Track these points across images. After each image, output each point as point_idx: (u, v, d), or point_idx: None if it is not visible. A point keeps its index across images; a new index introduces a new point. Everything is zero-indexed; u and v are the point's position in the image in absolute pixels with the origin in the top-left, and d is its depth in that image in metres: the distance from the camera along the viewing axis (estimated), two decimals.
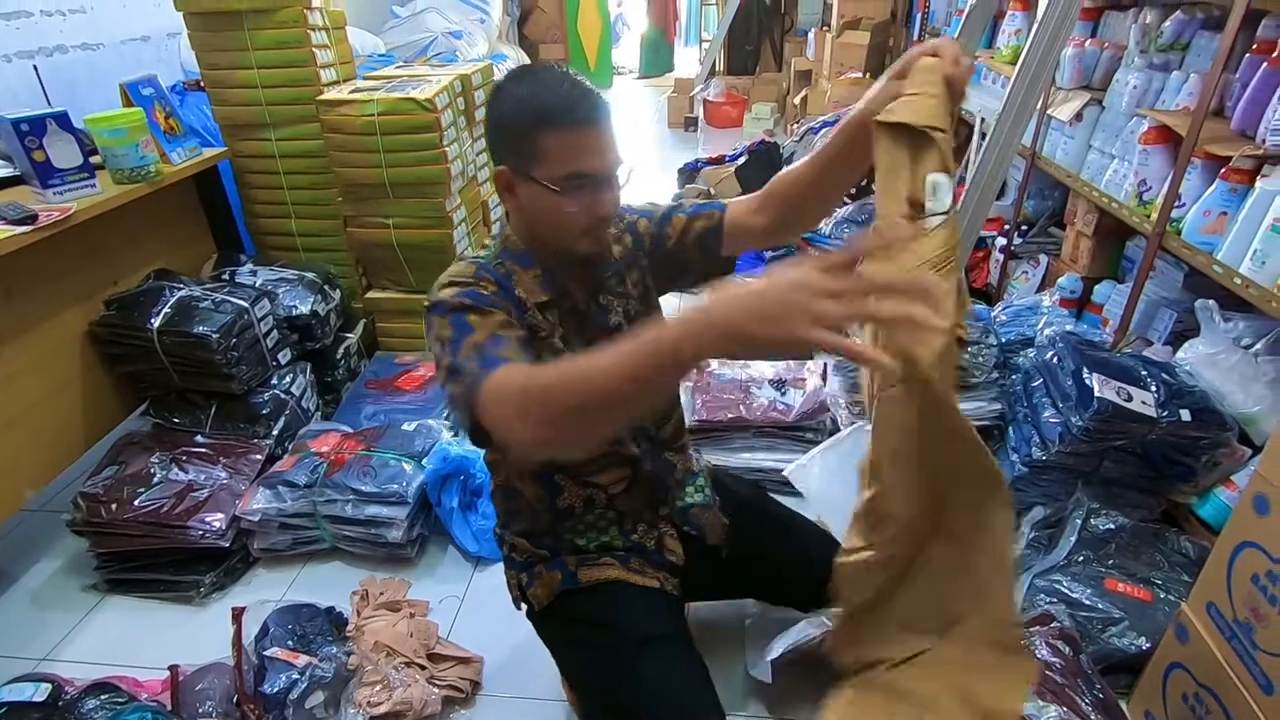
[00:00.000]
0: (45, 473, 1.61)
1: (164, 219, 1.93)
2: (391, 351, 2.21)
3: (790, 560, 1.18)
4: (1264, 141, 1.41)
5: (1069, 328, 1.86)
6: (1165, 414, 1.44)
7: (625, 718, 0.99)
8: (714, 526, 1.15)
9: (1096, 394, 1.45)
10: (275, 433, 1.76)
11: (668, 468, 1.13)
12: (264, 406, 1.77)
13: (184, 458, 1.65)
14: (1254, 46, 1.56)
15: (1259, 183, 1.37)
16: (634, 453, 1.05)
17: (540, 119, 0.84)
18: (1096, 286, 2.09)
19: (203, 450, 1.68)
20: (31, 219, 1.42)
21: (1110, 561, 1.39)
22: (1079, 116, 2.03)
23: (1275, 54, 1.45)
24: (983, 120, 1.79)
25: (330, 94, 1.94)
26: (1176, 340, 1.72)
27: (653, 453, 1.10)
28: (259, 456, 1.69)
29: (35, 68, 2.11)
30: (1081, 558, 1.41)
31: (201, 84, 2.26)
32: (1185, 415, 1.45)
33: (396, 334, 2.23)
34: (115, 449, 1.68)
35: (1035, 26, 1.65)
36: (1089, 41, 2.11)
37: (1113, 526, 1.44)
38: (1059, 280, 2.16)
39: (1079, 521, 1.46)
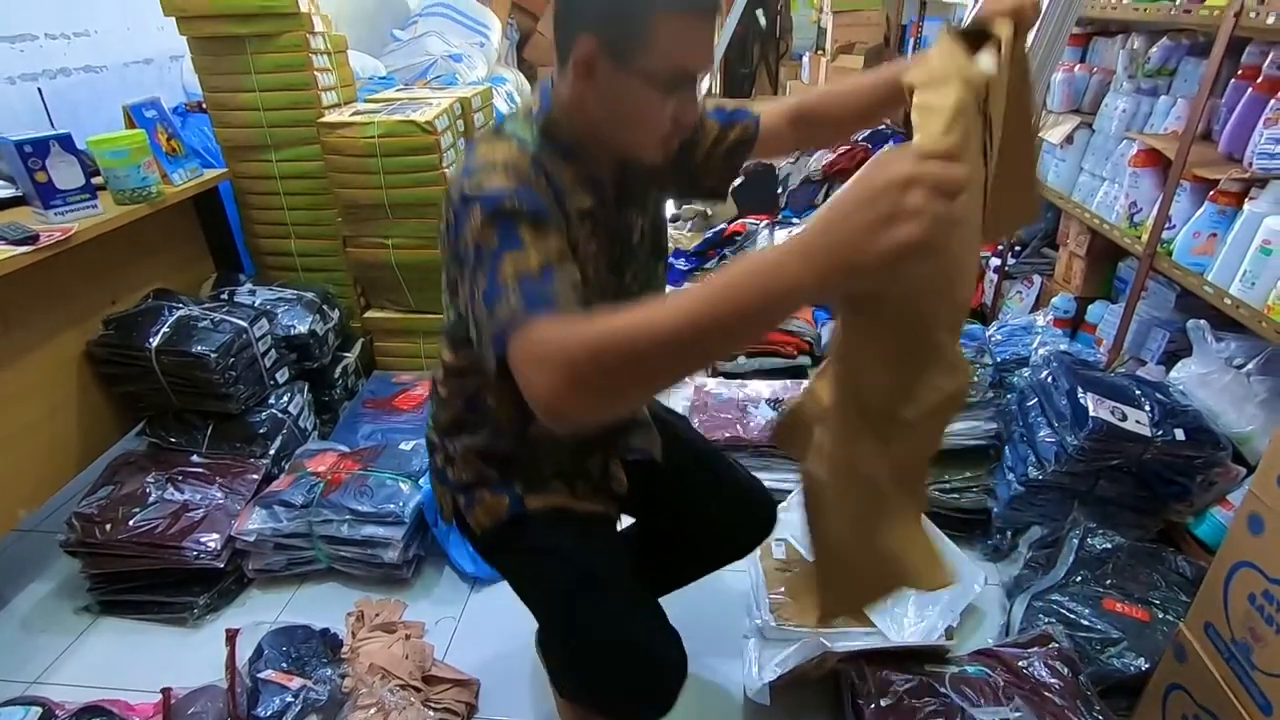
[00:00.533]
0: (41, 493, 1.60)
1: (164, 239, 1.94)
2: (389, 371, 2.21)
3: (719, 475, 1.18)
4: (1250, 164, 1.43)
5: (1063, 347, 1.88)
6: (1160, 433, 1.45)
7: (583, 647, 0.95)
8: (654, 442, 1.09)
9: (1091, 413, 1.46)
10: (272, 452, 1.76)
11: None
12: (261, 426, 1.77)
13: (180, 478, 1.65)
14: (1239, 72, 1.60)
15: (1246, 205, 1.39)
16: None
17: None
18: (1090, 306, 2.11)
19: (199, 470, 1.67)
20: (33, 239, 1.42)
21: (1108, 581, 1.39)
22: (1070, 139, 2.06)
23: (1260, 79, 1.48)
24: None
25: (331, 116, 1.96)
26: (1170, 360, 1.74)
27: None
28: (255, 476, 1.69)
29: (40, 90, 2.13)
30: (1079, 578, 1.41)
31: (203, 106, 2.29)
32: (1179, 434, 1.46)
33: (394, 353, 2.24)
34: (111, 469, 1.67)
35: (1028, 48, 1.68)
36: (1078, 67, 2.15)
37: (1110, 546, 1.44)
38: (1053, 300, 2.17)
39: (1076, 541, 1.46)
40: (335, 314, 2.08)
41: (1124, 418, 1.47)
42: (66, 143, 1.54)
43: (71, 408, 1.66)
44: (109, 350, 1.67)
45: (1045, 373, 1.63)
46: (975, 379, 1.69)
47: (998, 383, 1.80)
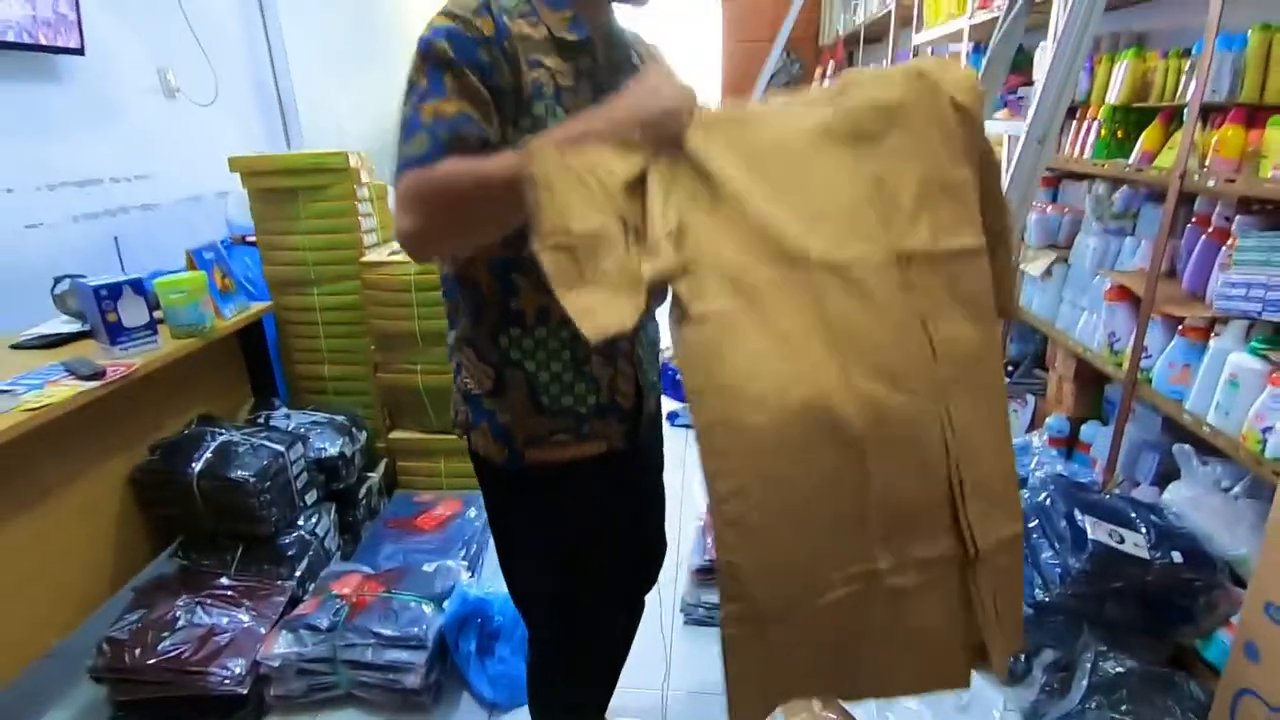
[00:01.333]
0: (74, 619, 1.64)
1: (209, 367, 2.07)
2: (411, 490, 2.28)
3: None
4: (1212, 304, 1.57)
5: (1060, 469, 1.96)
6: (1158, 555, 1.51)
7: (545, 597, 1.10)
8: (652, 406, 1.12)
9: (1090, 536, 1.52)
10: (298, 574, 1.81)
11: None
12: (290, 548, 1.83)
13: (209, 600, 1.69)
14: (1193, 219, 1.77)
15: (1212, 341, 1.52)
16: None
17: None
18: (1083, 426, 2.21)
19: (227, 592, 1.72)
20: (100, 374, 1.55)
21: (1123, 708, 1.41)
22: (1049, 272, 2.24)
23: (1211, 229, 1.65)
24: None
25: (371, 256, 2.15)
26: (1163, 481, 1.81)
27: None
28: (282, 599, 1.73)
29: (116, 240, 2.33)
30: (1095, 704, 1.42)
31: (247, 239, 2.50)
32: (1177, 557, 1.51)
33: (416, 473, 2.32)
34: (143, 591, 1.72)
35: (1005, 189, 1.88)
36: (1049, 207, 2.36)
37: (1123, 671, 1.46)
38: (1047, 420, 2.28)
39: (1089, 665, 1.48)
40: (363, 436, 2.18)
41: (1121, 540, 1.53)
42: (137, 285, 1.70)
43: (111, 532, 1.73)
44: (153, 475, 1.76)
45: (1044, 495, 1.71)
46: None
47: None
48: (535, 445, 1.01)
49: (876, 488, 0.77)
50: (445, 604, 1.68)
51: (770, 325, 0.74)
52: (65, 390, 1.47)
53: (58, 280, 1.95)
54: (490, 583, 1.73)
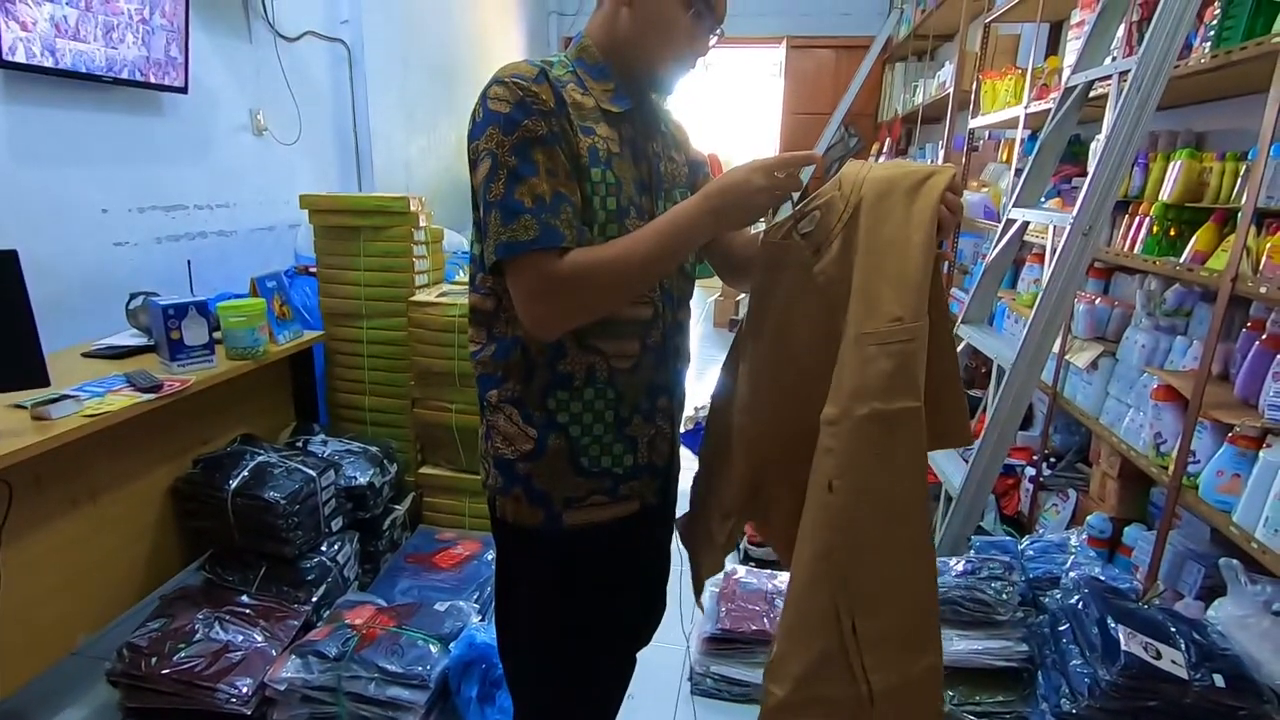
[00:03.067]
0: (102, 618, 1.70)
1: (256, 388, 2.17)
2: (434, 526, 2.31)
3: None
4: (1264, 413, 1.51)
5: (1097, 572, 1.87)
6: (1197, 676, 1.42)
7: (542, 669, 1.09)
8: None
9: (1123, 647, 1.44)
10: (315, 599, 1.84)
11: (677, 344, 1.08)
12: (310, 573, 1.87)
13: (227, 616, 1.73)
14: (1249, 323, 1.72)
15: (1263, 453, 1.46)
16: (645, 317, 1.01)
17: None
18: (1126, 529, 2.11)
19: (246, 610, 1.76)
20: (157, 388, 1.65)
21: None
22: (1094, 365, 2.18)
23: (1265, 335, 1.60)
24: (999, 368, 1.97)
25: (420, 295, 2.25)
26: (1208, 595, 1.71)
27: (668, 314, 1.05)
28: (296, 622, 1.76)
29: (189, 263, 2.48)
30: None
31: (310, 270, 2.63)
32: (1219, 680, 1.41)
33: (441, 509, 2.36)
34: (167, 601, 1.77)
35: (1047, 278, 1.86)
36: (1099, 299, 2.32)
37: None
38: (1088, 518, 2.18)
39: None
40: (393, 468, 2.23)
41: (1158, 655, 1.44)
42: (201, 307, 1.81)
43: (147, 538, 1.80)
44: (193, 487, 1.84)
45: (1075, 598, 1.63)
46: (1002, 595, 1.69)
47: (1031, 601, 1.79)
48: (573, 507, 1.01)
49: None
50: (452, 645, 1.68)
51: None
52: (123, 400, 1.57)
53: (132, 296, 2.09)
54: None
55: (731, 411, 1.06)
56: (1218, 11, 1.68)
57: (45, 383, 1.39)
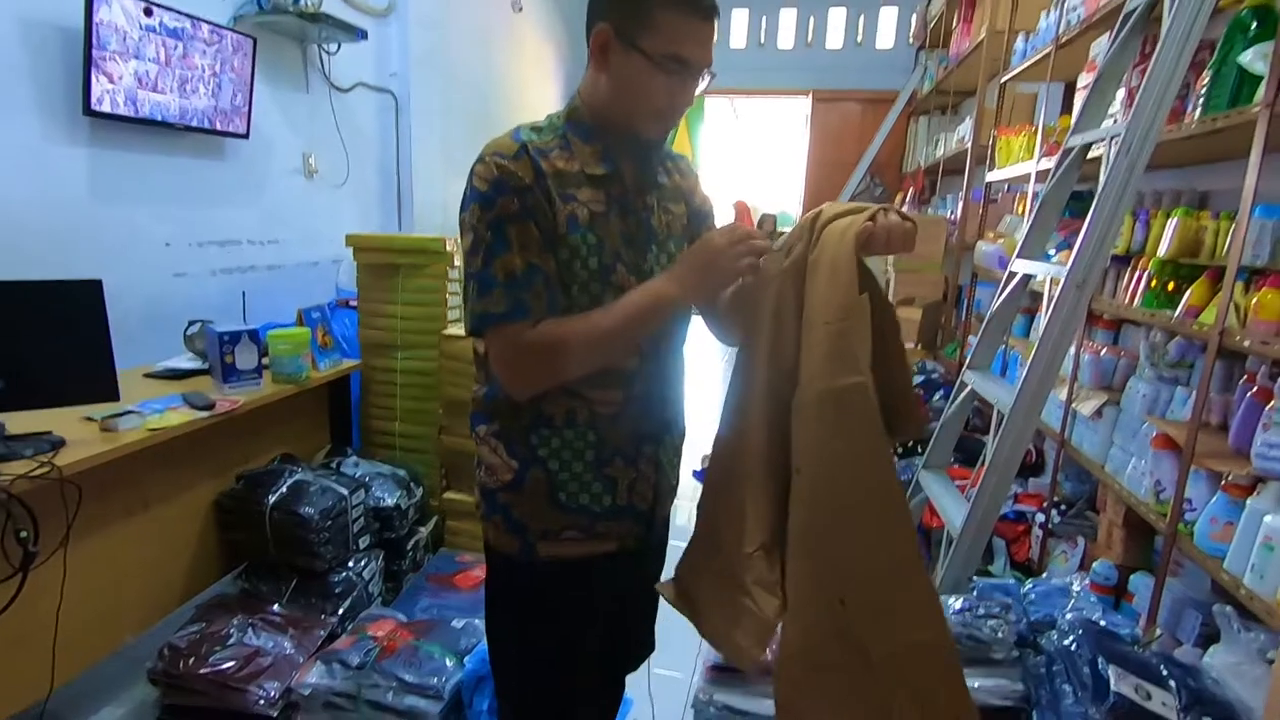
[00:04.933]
0: (147, 621, 1.83)
1: (296, 411, 2.33)
2: (454, 550, 2.42)
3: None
4: (1254, 463, 1.56)
5: (1097, 616, 1.90)
6: None
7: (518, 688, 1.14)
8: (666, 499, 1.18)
9: (1113, 687, 1.48)
10: (341, 611, 1.95)
11: (664, 394, 1.11)
12: (337, 586, 1.98)
13: (259, 623, 1.84)
14: (1245, 376, 1.78)
15: (1250, 500, 1.50)
16: (631, 367, 1.05)
17: None
18: (1132, 576, 2.13)
19: (276, 619, 1.87)
20: (210, 406, 1.80)
21: None
22: (1099, 414, 2.23)
23: (1255, 388, 1.66)
24: (999, 413, 2.03)
25: (452, 330, 2.39)
26: (1206, 642, 1.73)
27: (652, 369, 1.08)
28: (323, 632, 1.86)
29: (244, 294, 2.67)
30: None
31: (349, 303, 2.81)
32: None
33: (461, 533, 2.46)
34: (206, 606, 1.90)
35: (1043, 327, 1.93)
36: (1106, 349, 2.38)
37: None
38: (1094, 565, 2.21)
39: None
40: (419, 492, 2.35)
41: (1148, 697, 1.48)
42: (254, 335, 1.98)
43: (190, 547, 1.94)
44: (235, 501, 1.98)
45: (1070, 639, 1.66)
46: None
47: (1030, 643, 1.82)
48: (548, 539, 1.06)
49: None
50: (467, 660, 1.77)
51: None
52: (180, 416, 1.72)
53: (190, 324, 2.27)
54: None
55: (746, 434, 1.06)
56: (1206, 80, 1.79)
57: (116, 398, 1.54)
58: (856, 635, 0.93)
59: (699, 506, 1.14)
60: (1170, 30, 1.61)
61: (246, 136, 2.89)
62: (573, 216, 0.98)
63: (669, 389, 1.14)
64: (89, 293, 1.48)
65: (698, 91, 1.02)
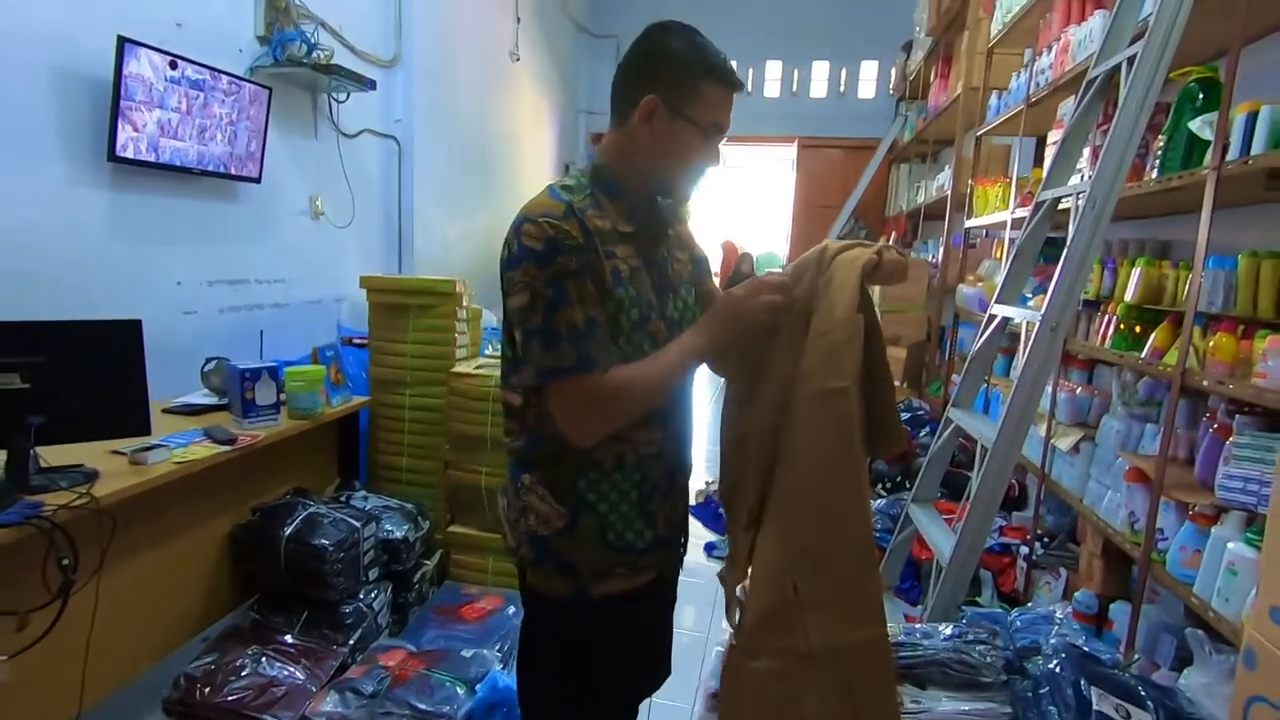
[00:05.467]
0: (162, 650, 1.87)
1: (308, 446, 2.39)
2: (459, 582, 2.47)
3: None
4: (1217, 493, 1.68)
5: (1080, 641, 1.99)
6: None
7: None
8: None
9: (1095, 707, 1.56)
10: (352, 642, 2.00)
11: (689, 428, 1.20)
12: (348, 617, 2.03)
13: (273, 654, 1.89)
14: (1207, 414, 1.91)
15: (1214, 529, 1.62)
16: (667, 407, 1.12)
17: (709, 68, 1.04)
18: (1111, 605, 2.23)
19: (290, 649, 1.92)
20: (232, 441, 1.87)
21: None
22: (1077, 449, 2.36)
23: (1217, 425, 1.79)
24: (983, 448, 2.15)
25: (460, 367, 2.49)
26: (1182, 665, 1.83)
27: (681, 406, 1.17)
28: (335, 662, 1.91)
29: (261, 333, 2.76)
30: None
31: (353, 341, 2.90)
32: None
33: (467, 566, 2.52)
34: (221, 637, 1.94)
35: (1021, 367, 2.05)
36: (1081, 388, 2.52)
37: None
38: (1075, 594, 2.31)
39: None
40: (426, 525, 2.41)
41: (1128, 717, 1.56)
42: (274, 372, 2.06)
43: (207, 578, 1.99)
44: (250, 533, 2.03)
45: (1054, 662, 1.75)
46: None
47: (1018, 669, 1.90)
48: (599, 579, 1.11)
49: None
50: (478, 688, 1.82)
51: None
52: (205, 450, 1.79)
53: (208, 361, 2.34)
54: None
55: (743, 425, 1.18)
56: (1162, 143, 1.96)
57: (148, 433, 1.62)
58: (804, 623, 1.03)
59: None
60: (1128, 97, 1.78)
61: (259, 181, 3.00)
62: (615, 271, 1.05)
63: (690, 422, 1.22)
64: (128, 332, 1.56)
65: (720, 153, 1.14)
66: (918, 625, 1.94)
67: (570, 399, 1.01)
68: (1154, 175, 1.96)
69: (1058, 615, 2.15)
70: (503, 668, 1.94)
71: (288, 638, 1.96)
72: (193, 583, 1.95)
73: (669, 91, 1.05)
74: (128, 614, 1.71)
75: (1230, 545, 1.55)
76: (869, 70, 6.78)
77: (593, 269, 1.02)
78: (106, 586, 1.56)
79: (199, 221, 2.81)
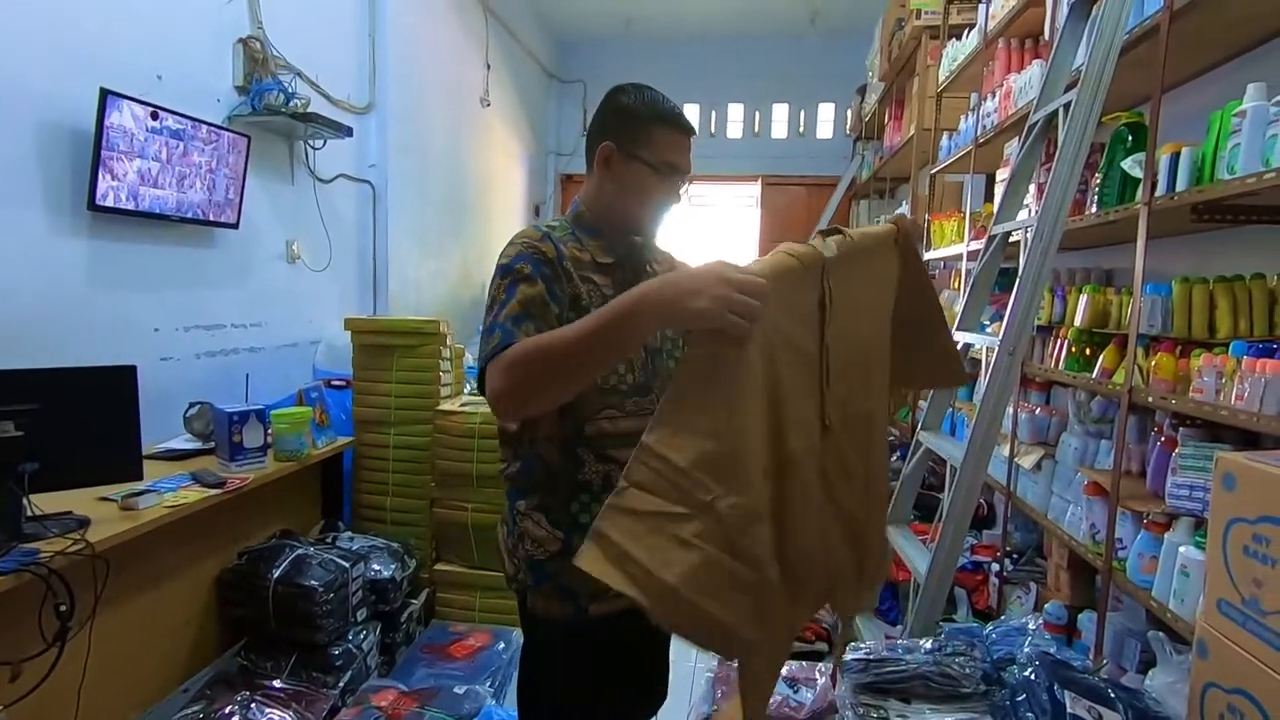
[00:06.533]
0: (149, 700, 1.84)
1: (292, 487, 2.40)
2: (446, 620, 2.47)
3: None
4: (1167, 502, 1.80)
5: (1052, 650, 2.08)
6: None
7: None
8: None
9: (1069, 710, 1.64)
10: (342, 684, 1.99)
11: None
12: (338, 659, 2.03)
13: (263, 699, 1.87)
14: (1155, 428, 2.04)
15: (1166, 536, 1.73)
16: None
17: (656, 115, 1.14)
18: (1080, 615, 2.33)
19: (279, 694, 1.90)
20: (221, 485, 1.88)
21: None
22: (1039, 467, 2.48)
23: (1164, 438, 1.92)
24: (952, 468, 2.26)
25: (445, 405, 2.53)
26: (1146, 668, 1.92)
27: None
28: (326, 705, 1.90)
29: (247, 376, 2.76)
30: None
31: (332, 383, 2.91)
32: None
33: (454, 604, 2.52)
34: (208, 685, 1.91)
35: (983, 390, 2.17)
36: (1039, 409, 2.65)
37: None
38: (1045, 606, 2.40)
39: None
40: (412, 563, 2.42)
41: (1099, 717, 1.65)
42: (261, 415, 2.08)
43: (193, 624, 1.97)
44: (238, 576, 2.03)
45: (1029, 670, 1.83)
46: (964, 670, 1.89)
47: (995, 680, 1.98)
48: (597, 600, 1.14)
49: None
50: None
51: None
52: (195, 494, 1.80)
53: (191, 405, 2.35)
54: (515, 710, 1.88)
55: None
56: (1099, 180, 2.13)
57: (140, 478, 1.63)
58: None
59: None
60: (1066, 140, 1.94)
61: (237, 226, 3.03)
62: (591, 294, 1.13)
63: None
64: (123, 379, 1.58)
65: (681, 193, 1.22)
66: (900, 641, 2.02)
67: (490, 374, 1.00)
68: (1094, 210, 2.12)
69: (1030, 627, 2.24)
70: (496, 702, 1.95)
71: (276, 682, 1.94)
72: (180, 629, 1.93)
73: (622, 138, 1.15)
74: (116, 662, 1.69)
75: (1181, 549, 1.66)
76: (826, 112, 7.09)
77: (556, 282, 1.09)
78: (98, 634, 1.55)
79: (177, 268, 2.82)
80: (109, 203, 2.44)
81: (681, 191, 1.22)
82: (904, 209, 4.65)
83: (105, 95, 2.34)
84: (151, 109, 2.55)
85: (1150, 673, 1.83)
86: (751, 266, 0.90)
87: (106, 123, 2.39)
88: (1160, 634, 1.82)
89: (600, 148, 1.17)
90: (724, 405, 0.83)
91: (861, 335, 1.09)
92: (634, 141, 1.14)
